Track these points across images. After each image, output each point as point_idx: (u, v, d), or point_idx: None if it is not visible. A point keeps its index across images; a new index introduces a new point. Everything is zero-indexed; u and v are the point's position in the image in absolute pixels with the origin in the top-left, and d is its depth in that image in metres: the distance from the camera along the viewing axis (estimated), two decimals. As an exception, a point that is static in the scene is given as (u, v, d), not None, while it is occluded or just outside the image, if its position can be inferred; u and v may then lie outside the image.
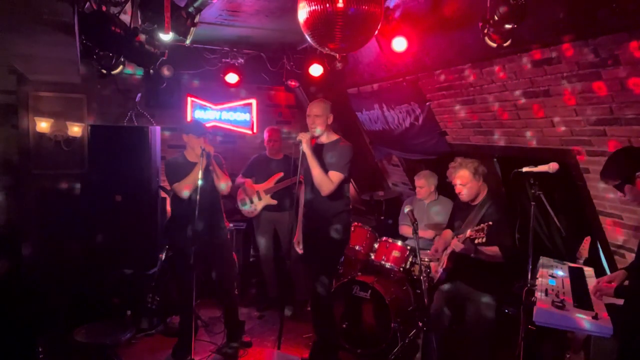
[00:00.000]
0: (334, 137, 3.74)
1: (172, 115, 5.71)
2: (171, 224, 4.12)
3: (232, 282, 4.09)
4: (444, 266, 3.35)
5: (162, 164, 5.39)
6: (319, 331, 3.85)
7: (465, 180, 3.37)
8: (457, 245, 3.19)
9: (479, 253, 3.17)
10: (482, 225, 2.98)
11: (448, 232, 3.63)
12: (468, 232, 3.08)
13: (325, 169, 3.54)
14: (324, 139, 3.71)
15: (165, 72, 4.88)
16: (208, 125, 5.89)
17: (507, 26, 2.42)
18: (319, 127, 3.63)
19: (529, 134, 3.46)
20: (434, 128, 4.44)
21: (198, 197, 3.59)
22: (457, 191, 3.44)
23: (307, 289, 3.97)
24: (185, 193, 3.84)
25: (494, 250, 3.18)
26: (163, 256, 4.76)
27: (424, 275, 3.35)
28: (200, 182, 3.63)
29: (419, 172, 4.70)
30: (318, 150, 3.65)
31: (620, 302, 2.49)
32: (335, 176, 3.52)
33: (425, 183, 4.52)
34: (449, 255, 3.33)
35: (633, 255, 2.74)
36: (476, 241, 3.00)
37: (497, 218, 3.19)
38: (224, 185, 3.95)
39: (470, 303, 3.31)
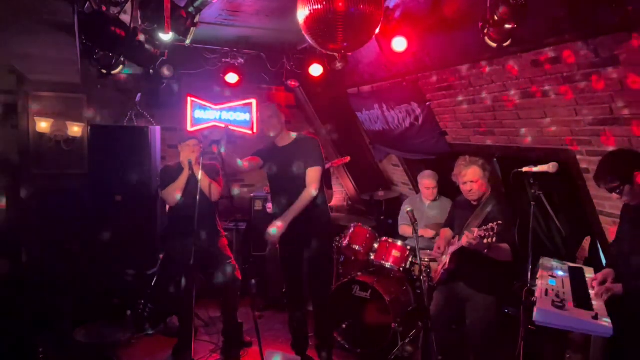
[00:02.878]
0: (293, 135, 3.75)
1: (172, 115, 5.71)
2: (169, 230, 4.14)
3: (234, 288, 4.08)
4: (447, 267, 3.32)
5: (161, 164, 5.41)
6: (320, 332, 3.85)
7: (476, 177, 3.29)
8: (469, 240, 3.06)
9: (492, 250, 3.07)
10: (491, 225, 2.89)
11: (447, 232, 3.61)
12: (476, 232, 2.98)
13: (294, 167, 3.57)
14: (283, 141, 3.72)
15: (165, 72, 4.88)
16: (208, 125, 5.89)
17: (507, 26, 2.42)
18: (272, 131, 3.66)
19: (529, 134, 3.45)
20: (434, 128, 4.44)
21: (198, 200, 3.59)
22: (466, 189, 3.34)
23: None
24: (171, 200, 3.89)
25: (505, 247, 3.11)
26: (159, 262, 4.77)
27: (424, 275, 3.34)
28: (199, 188, 3.65)
29: (421, 172, 4.70)
30: (279, 153, 3.68)
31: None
32: (316, 172, 3.56)
33: (434, 183, 4.52)
34: (451, 255, 3.31)
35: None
36: (485, 241, 2.92)
37: (502, 218, 3.12)
38: (214, 193, 3.93)
39: (470, 304, 3.29)
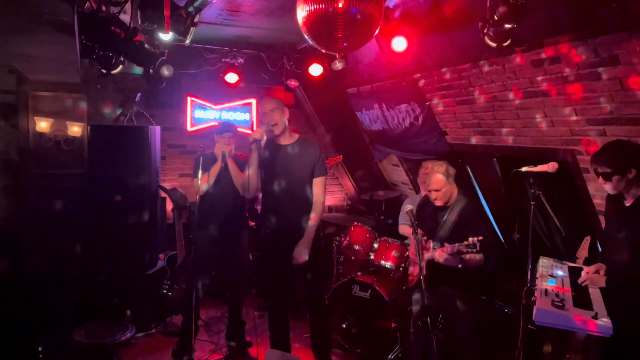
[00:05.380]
0: (296, 136, 3.67)
1: (172, 115, 5.71)
2: (198, 220, 4.06)
3: (242, 282, 4.11)
4: (425, 273, 3.25)
5: (161, 164, 5.41)
6: (319, 333, 3.83)
7: (440, 185, 3.23)
8: (441, 256, 3.07)
9: (465, 263, 3.08)
10: (472, 240, 2.86)
11: (408, 229, 3.53)
12: (457, 248, 2.94)
13: (300, 169, 3.52)
14: (287, 140, 3.61)
15: (165, 72, 4.88)
16: (208, 125, 5.89)
17: (507, 26, 2.42)
18: (278, 122, 3.51)
19: (528, 134, 3.46)
20: (434, 128, 4.44)
21: (198, 197, 3.59)
22: (432, 198, 3.30)
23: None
24: (202, 189, 3.82)
25: (480, 258, 3.09)
26: (163, 256, 4.78)
27: (424, 275, 3.33)
28: (205, 183, 3.63)
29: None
30: (282, 151, 3.57)
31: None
32: (323, 181, 3.59)
33: None
34: (427, 263, 3.23)
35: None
36: (467, 257, 2.91)
37: (474, 219, 3.16)
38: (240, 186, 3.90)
39: (453, 303, 3.25)
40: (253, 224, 4.27)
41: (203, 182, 3.84)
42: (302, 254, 3.44)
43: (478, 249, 2.84)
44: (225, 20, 4.20)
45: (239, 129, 6.09)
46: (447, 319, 3.38)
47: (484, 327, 3.28)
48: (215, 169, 3.89)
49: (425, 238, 3.41)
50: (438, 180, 3.23)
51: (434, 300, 3.32)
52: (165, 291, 4.50)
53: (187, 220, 4.74)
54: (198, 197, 3.81)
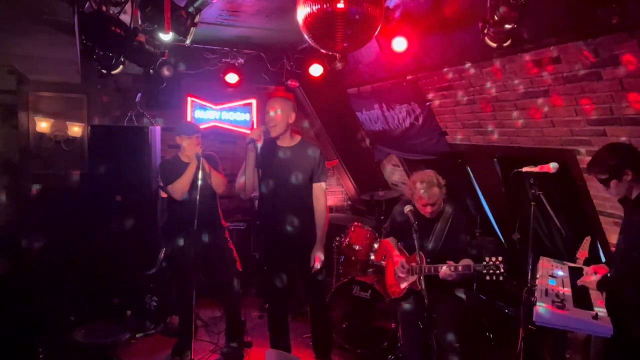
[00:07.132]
0: (298, 137, 3.60)
1: (172, 115, 5.71)
2: (169, 225, 4.10)
3: (233, 282, 4.09)
4: (419, 288, 3.09)
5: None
6: (321, 333, 3.83)
7: (436, 198, 3.19)
8: (448, 275, 3.05)
9: (462, 275, 3.10)
10: (492, 261, 2.86)
11: (393, 242, 3.49)
12: (473, 268, 2.93)
13: (299, 171, 3.47)
14: (287, 142, 3.55)
15: (165, 72, 4.87)
16: (208, 125, 5.89)
17: (507, 26, 2.42)
18: (278, 123, 3.44)
19: (529, 134, 3.46)
20: (434, 128, 4.45)
21: (198, 197, 3.57)
22: (427, 211, 3.22)
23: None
24: (179, 195, 3.80)
25: (469, 262, 3.11)
26: (162, 256, 4.77)
27: (423, 275, 3.31)
28: (200, 182, 3.62)
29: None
30: (280, 153, 3.52)
31: None
32: (323, 186, 3.57)
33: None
34: (421, 277, 3.10)
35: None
36: (487, 278, 2.90)
37: (463, 226, 3.17)
38: (220, 185, 3.90)
39: (440, 304, 3.18)
40: (227, 224, 4.23)
41: (180, 188, 3.77)
42: (319, 258, 3.48)
43: (502, 270, 2.84)
44: (225, 20, 4.20)
45: (239, 129, 6.13)
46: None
47: (466, 326, 3.26)
48: (190, 172, 3.77)
49: (402, 247, 3.41)
50: (435, 194, 3.18)
51: (416, 304, 3.30)
52: (147, 306, 4.48)
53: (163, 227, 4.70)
54: (175, 203, 3.82)
